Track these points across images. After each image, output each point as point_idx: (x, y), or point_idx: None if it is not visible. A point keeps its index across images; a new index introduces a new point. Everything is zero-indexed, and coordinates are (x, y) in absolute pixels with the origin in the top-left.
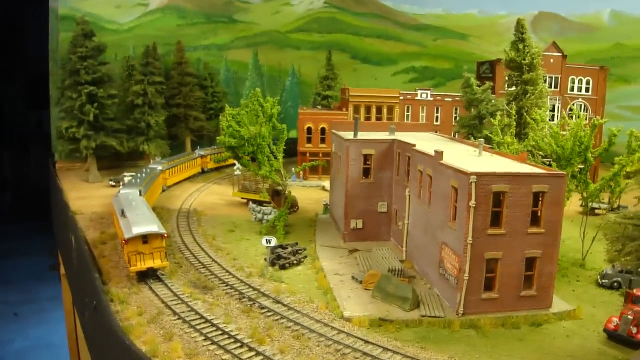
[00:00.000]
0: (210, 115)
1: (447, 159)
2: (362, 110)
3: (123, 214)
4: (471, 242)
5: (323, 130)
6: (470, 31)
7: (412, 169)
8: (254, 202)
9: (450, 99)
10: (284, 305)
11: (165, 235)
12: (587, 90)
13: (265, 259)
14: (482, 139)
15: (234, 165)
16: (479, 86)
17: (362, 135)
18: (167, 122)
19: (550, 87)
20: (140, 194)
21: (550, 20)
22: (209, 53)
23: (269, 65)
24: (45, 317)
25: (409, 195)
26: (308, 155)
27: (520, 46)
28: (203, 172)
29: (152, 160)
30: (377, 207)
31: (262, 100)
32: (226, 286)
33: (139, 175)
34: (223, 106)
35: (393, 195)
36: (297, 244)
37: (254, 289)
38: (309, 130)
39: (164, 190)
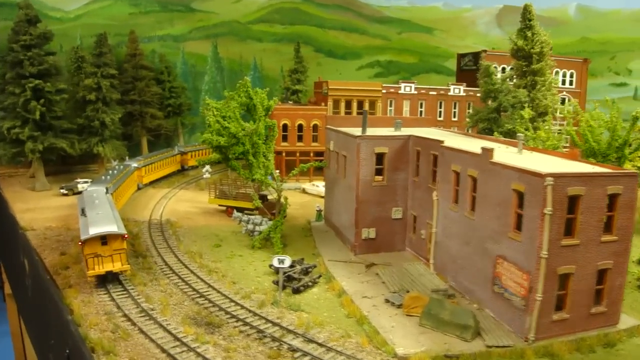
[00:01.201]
0: (167, 112)
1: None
2: (342, 105)
3: (83, 212)
4: (546, 255)
5: (300, 127)
6: (435, 24)
7: (442, 169)
8: (238, 209)
9: (434, 92)
10: (319, 345)
11: (126, 236)
12: (571, 83)
13: (276, 283)
14: (520, 135)
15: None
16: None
17: (359, 132)
18: (121, 121)
19: None
20: (107, 192)
21: (515, 14)
22: (164, 44)
23: (229, 58)
24: None
25: (437, 200)
26: (284, 154)
27: (529, 34)
28: (183, 169)
29: (105, 165)
30: (391, 213)
31: (252, 92)
32: (236, 321)
33: (110, 172)
34: (181, 102)
35: (409, 199)
36: (302, 259)
37: (273, 323)
38: (285, 127)
39: (139, 188)
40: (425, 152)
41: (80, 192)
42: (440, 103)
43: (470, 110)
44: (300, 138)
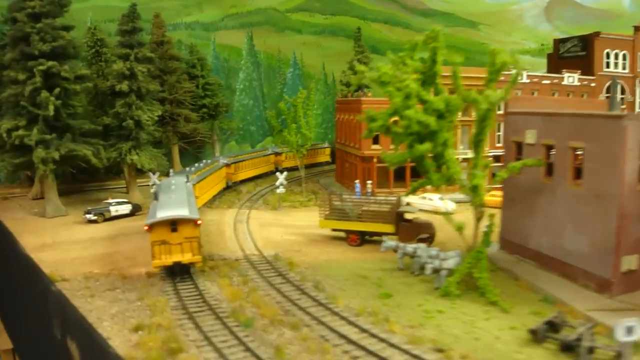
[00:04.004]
0: (202, 114)
1: None
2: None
3: (156, 197)
4: None
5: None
6: (479, 18)
7: None
8: (365, 235)
9: (548, 81)
10: None
11: (199, 222)
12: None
13: None
14: None
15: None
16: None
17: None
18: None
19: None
20: (187, 181)
21: (564, 7)
22: (192, 34)
23: (266, 52)
24: None
25: None
26: (375, 160)
27: None
28: (277, 170)
29: (132, 181)
30: None
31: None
32: None
33: (196, 165)
34: (218, 102)
35: None
36: (558, 314)
37: None
38: None
39: (228, 187)
40: None
41: (114, 218)
42: (554, 93)
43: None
44: None
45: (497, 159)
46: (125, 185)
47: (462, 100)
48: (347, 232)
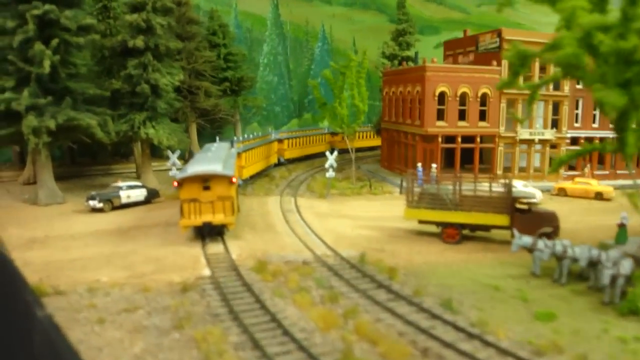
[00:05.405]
0: (223, 89)
1: None
2: None
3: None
4: None
5: (463, 98)
6: None
7: None
8: (465, 227)
9: None
10: None
11: (234, 180)
12: None
13: None
14: None
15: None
16: None
17: None
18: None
19: None
20: (232, 145)
21: None
22: None
23: (293, 23)
24: None
25: None
26: (440, 139)
27: None
28: (333, 151)
29: (145, 163)
30: None
31: None
32: None
33: (245, 136)
34: (242, 76)
35: None
36: None
37: None
38: (441, 97)
39: (280, 163)
40: None
41: (125, 206)
42: None
43: None
44: (462, 115)
45: (574, 141)
46: (135, 170)
47: None
48: (443, 225)
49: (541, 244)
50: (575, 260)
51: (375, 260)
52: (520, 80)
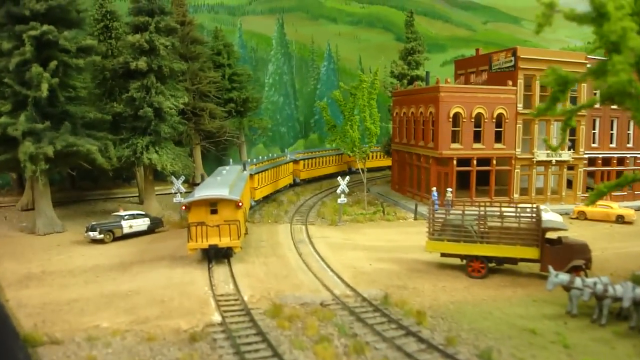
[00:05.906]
0: (229, 110)
1: None
2: (535, 84)
3: (202, 179)
4: None
5: (478, 119)
6: (522, 13)
7: None
8: (491, 260)
9: None
10: None
11: (240, 204)
12: None
13: None
14: None
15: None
16: None
17: None
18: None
19: None
20: (244, 169)
21: None
22: (215, 18)
23: (298, 42)
24: None
25: None
26: (454, 162)
27: None
28: (350, 172)
29: (147, 187)
30: None
31: None
32: None
33: (259, 157)
34: (248, 97)
35: None
36: None
37: None
38: (455, 118)
39: (295, 184)
40: None
41: (127, 236)
42: None
43: None
44: (477, 136)
45: (591, 161)
46: (137, 194)
47: None
48: (468, 258)
49: (579, 281)
50: (617, 299)
51: (399, 301)
52: (559, 106)
